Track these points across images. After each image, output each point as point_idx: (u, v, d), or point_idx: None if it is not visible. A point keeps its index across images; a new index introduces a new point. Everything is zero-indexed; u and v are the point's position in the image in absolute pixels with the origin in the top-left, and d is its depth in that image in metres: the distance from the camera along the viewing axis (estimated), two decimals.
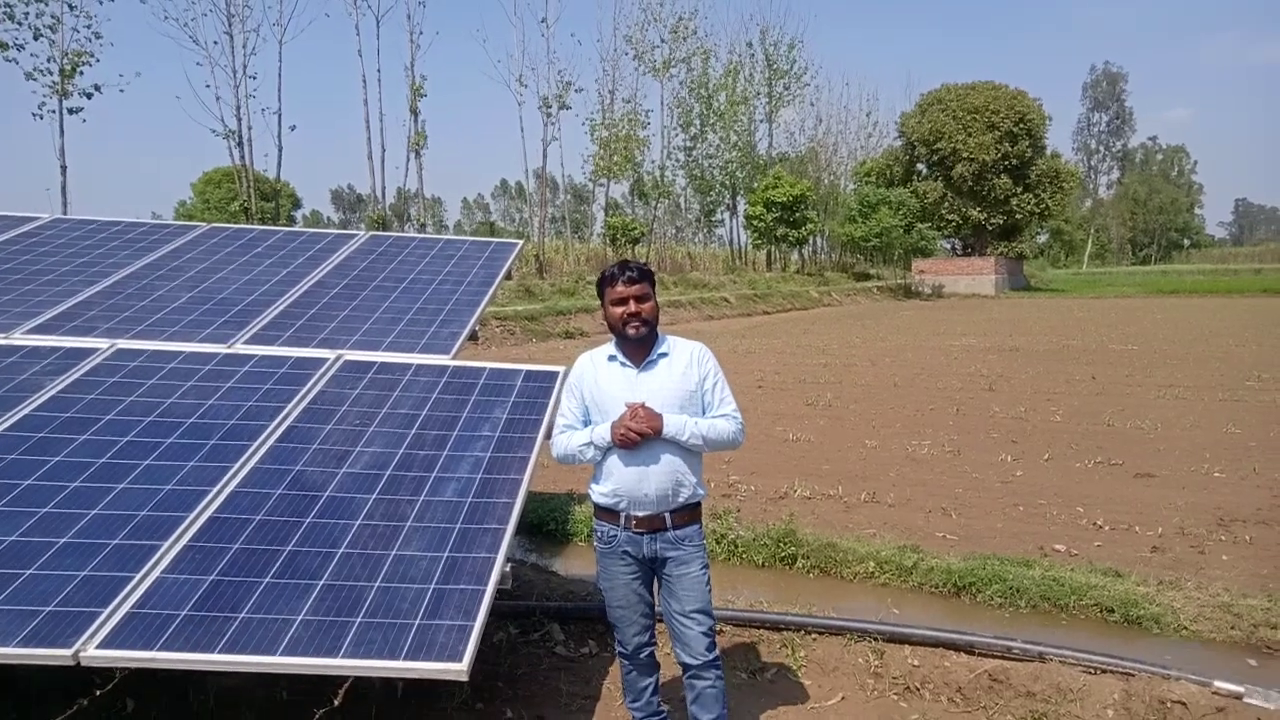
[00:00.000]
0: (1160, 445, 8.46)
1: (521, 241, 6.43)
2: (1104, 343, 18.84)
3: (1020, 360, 15.79)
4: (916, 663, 3.97)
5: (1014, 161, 49.90)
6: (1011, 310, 33.13)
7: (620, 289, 2.96)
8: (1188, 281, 50.90)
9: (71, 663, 2.45)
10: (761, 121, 47.57)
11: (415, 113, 32.10)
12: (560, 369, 4.15)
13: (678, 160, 44.58)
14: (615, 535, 3.03)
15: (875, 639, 4.12)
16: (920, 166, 53.73)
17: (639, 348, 3.02)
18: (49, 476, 3.23)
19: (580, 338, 22.02)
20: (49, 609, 2.60)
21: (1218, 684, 3.49)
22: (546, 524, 6.25)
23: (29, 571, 2.74)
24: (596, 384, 3.04)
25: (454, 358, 4.38)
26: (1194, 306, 32.57)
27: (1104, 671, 3.69)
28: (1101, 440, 8.71)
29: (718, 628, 4.11)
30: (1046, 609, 4.62)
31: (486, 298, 5.07)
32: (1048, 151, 53.64)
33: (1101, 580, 4.77)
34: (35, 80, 23.23)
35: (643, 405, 2.91)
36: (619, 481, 2.97)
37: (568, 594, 4.79)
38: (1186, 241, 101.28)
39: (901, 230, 46.55)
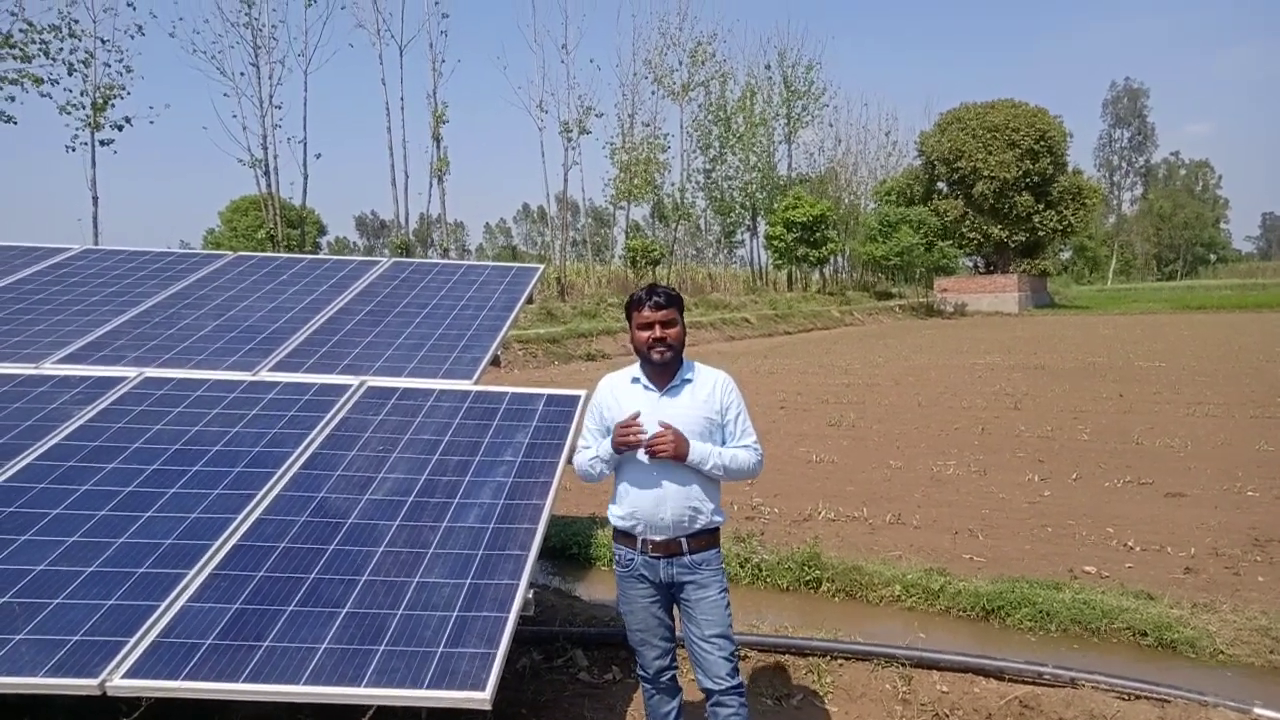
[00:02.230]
0: (1191, 464, 8.33)
1: (543, 266, 6.46)
2: (1131, 360, 18.62)
3: (1046, 378, 15.63)
4: (945, 689, 3.91)
5: (1035, 179, 49.61)
6: (1036, 328, 32.85)
7: (647, 314, 2.97)
8: (1215, 297, 50.20)
9: (98, 693, 2.46)
10: (781, 142, 47.65)
11: (438, 139, 32.45)
12: (582, 393, 4.15)
13: (697, 182, 44.77)
14: (632, 559, 3.03)
15: (903, 664, 4.07)
16: (941, 185, 53.53)
17: (663, 372, 3.03)
18: (77, 505, 3.26)
19: (602, 360, 22.05)
20: (76, 638, 2.61)
21: (1258, 710, 3.42)
22: (569, 548, 6.23)
23: (56, 601, 2.77)
24: (618, 406, 3.04)
25: (476, 383, 4.40)
26: (1222, 322, 32.12)
27: (1139, 698, 3.62)
28: (1130, 459, 8.59)
29: (742, 653, 4.08)
30: (1077, 633, 4.55)
31: (508, 322, 5.09)
32: (1069, 168, 53.29)
33: (1134, 603, 4.69)
34: (69, 114, 23.75)
35: (671, 428, 2.90)
36: (635, 504, 2.97)
37: (591, 619, 4.76)
38: (1213, 256, 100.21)
39: (923, 249, 46.39)
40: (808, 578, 5.35)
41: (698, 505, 2.96)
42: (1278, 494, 7.12)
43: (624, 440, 2.90)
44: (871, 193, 55.60)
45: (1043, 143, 49.17)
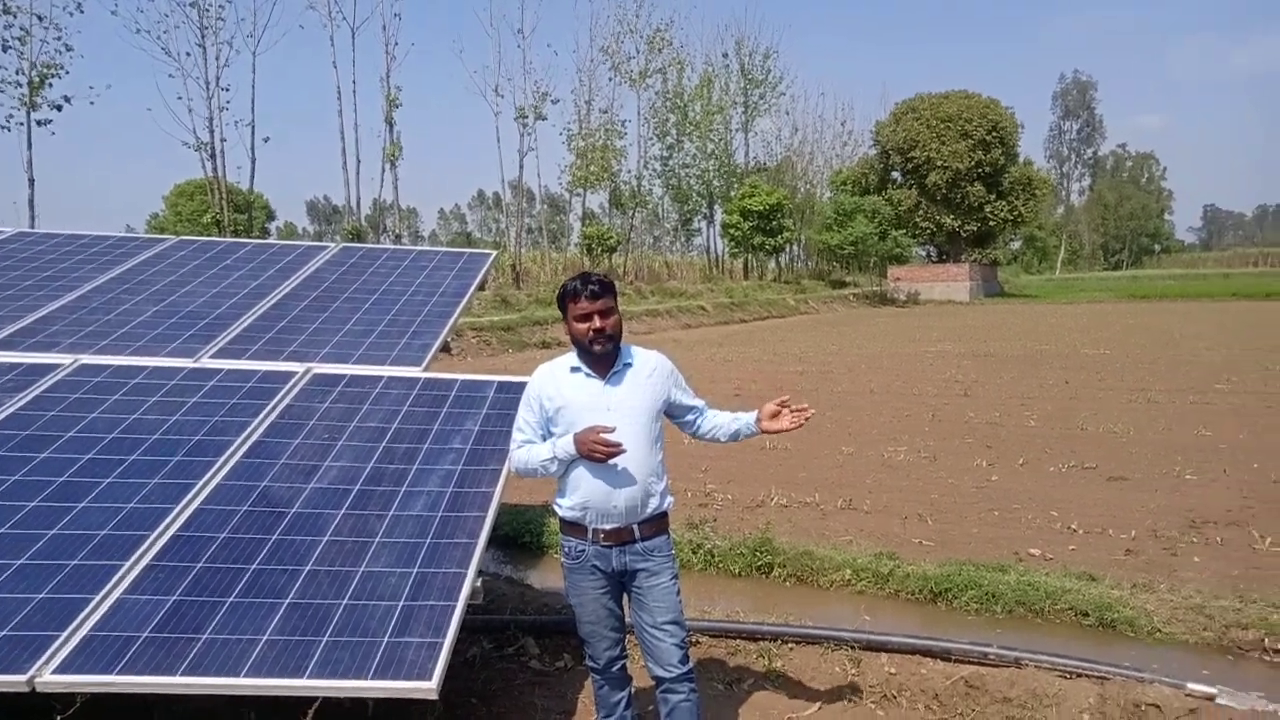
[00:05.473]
0: (1133, 449, 8.54)
1: (495, 252, 6.40)
2: (1077, 347, 19.04)
3: (995, 366, 15.91)
4: (893, 670, 3.96)
5: (987, 169, 50.38)
6: (986, 316, 33.41)
7: (584, 305, 2.89)
8: (1158, 286, 51.59)
9: (27, 688, 2.38)
10: (738, 131, 47.78)
11: (391, 124, 32.01)
12: None
13: (654, 170, 44.77)
14: (583, 550, 2.98)
15: (852, 647, 4.10)
16: (895, 174, 54.14)
17: (604, 360, 2.97)
18: (6, 496, 3.15)
19: (557, 347, 21.93)
20: (3, 633, 2.52)
21: (1191, 686, 3.51)
22: (521, 536, 6.20)
23: None
24: (561, 395, 2.95)
25: (426, 369, 4.34)
26: (1165, 311, 33.00)
27: (1079, 675, 3.70)
28: (1075, 444, 8.78)
29: (693, 639, 4.09)
30: (1022, 614, 4.63)
31: (459, 309, 5.03)
32: (1020, 159, 54.23)
33: (1076, 584, 4.79)
34: (3, 92, 22.96)
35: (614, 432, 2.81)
36: (587, 494, 2.90)
37: (542, 607, 4.74)
38: (1157, 247, 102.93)
39: (877, 238, 46.85)
40: (760, 563, 5.38)
41: (650, 490, 2.93)
42: (1214, 477, 7.33)
43: (598, 454, 2.77)
44: (827, 182, 56.01)
45: (995, 133, 49.94)
